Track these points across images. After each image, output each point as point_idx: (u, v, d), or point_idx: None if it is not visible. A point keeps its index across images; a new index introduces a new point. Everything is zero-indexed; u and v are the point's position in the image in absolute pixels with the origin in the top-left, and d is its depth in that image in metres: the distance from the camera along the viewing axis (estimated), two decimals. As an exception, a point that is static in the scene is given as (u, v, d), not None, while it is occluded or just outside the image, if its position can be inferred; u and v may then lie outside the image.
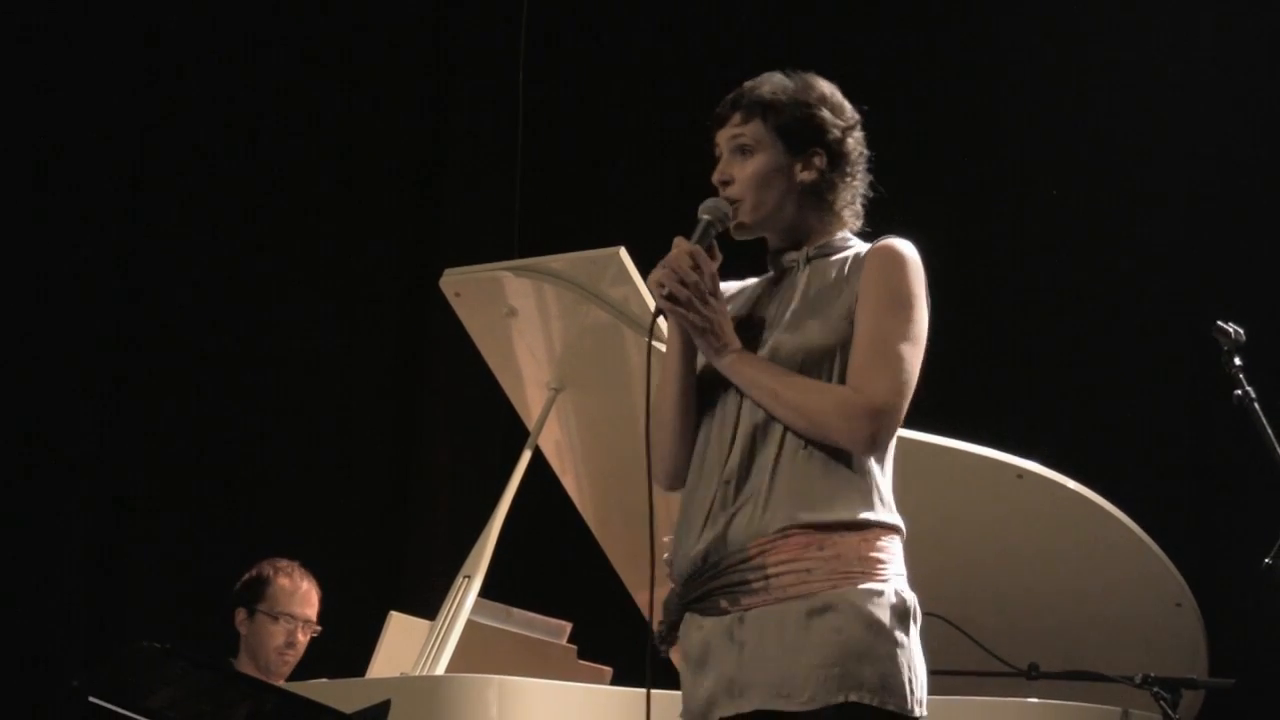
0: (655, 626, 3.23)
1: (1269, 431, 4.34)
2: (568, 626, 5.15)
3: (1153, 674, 4.58)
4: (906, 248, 3.21)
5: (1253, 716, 5.57)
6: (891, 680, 3.05)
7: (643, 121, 6.93)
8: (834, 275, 3.22)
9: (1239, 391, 4.35)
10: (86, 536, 6.51)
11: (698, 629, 3.16)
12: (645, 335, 4.50)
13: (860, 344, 3.14)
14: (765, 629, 3.09)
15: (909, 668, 3.09)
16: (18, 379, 6.47)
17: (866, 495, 3.13)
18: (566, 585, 5.90)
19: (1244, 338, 4.37)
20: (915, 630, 3.14)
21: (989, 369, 6.44)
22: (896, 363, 3.13)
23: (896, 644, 3.07)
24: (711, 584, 3.14)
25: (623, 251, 4.56)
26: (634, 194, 6.84)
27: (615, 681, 4.99)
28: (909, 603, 3.13)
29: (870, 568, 3.10)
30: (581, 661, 5.08)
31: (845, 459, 3.13)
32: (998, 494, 4.76)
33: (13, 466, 6.44)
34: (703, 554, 3.13)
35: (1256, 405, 4.35)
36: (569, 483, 5.10)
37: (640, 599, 5.13)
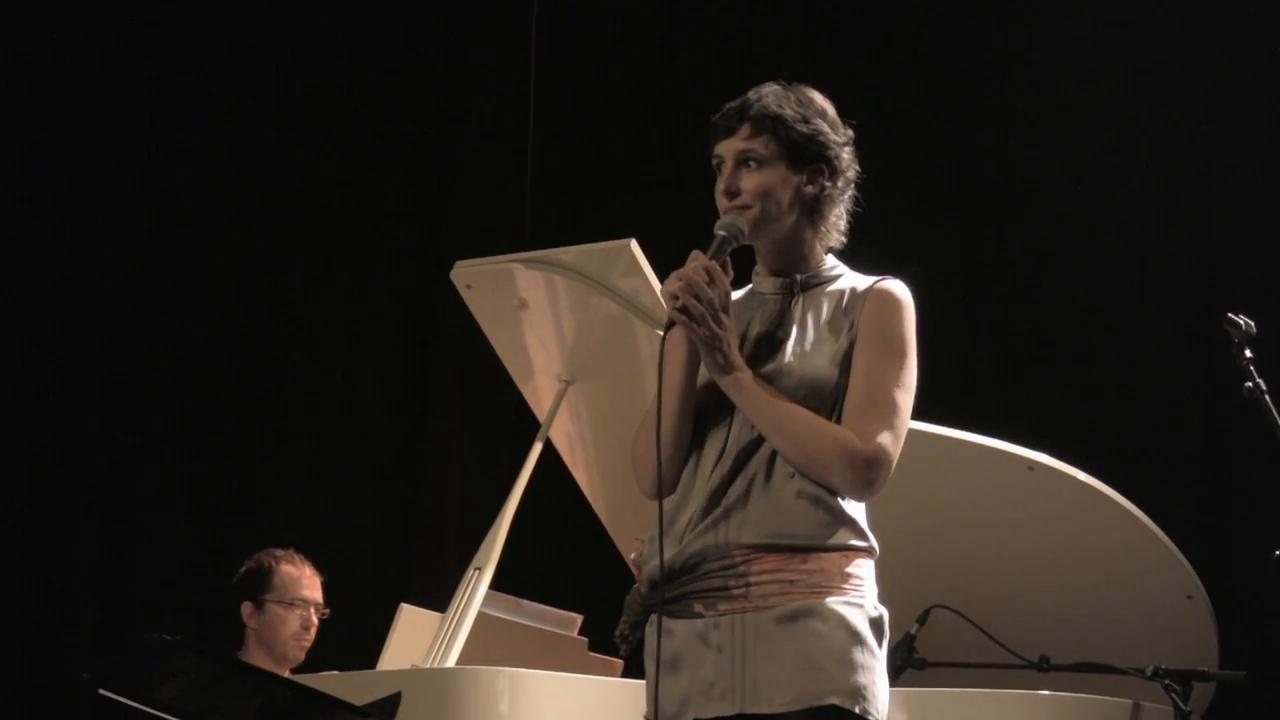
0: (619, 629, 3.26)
1: (1280, 424, 4.34)
2: (579, 619, 5.15)
3: (1164, 666, 4.57)
4: (904, 293, 3.26)
5: (1264, 709, 5.56)
6: (868, 690, 3.10)
7: (654, 114, 6.91)
8: (832, 308, 3.26)
9: (1250, 383, 4.35)
10: (96, 528, 6.51)
11: (667, 633, 3.19)
12: (656, 328, 4.51)
13: (859, 388, 3.19)
14: (744, 635, 3.13)
15: (880, 681, 3.14)
16: (25, 375, 6.48)
17: (849, 521, 3.18)
18: (578, 577, 5.90)
19: (1255, 330, 4.37)
20: (884, 649, 3.20)
21: (1000, 362, 6.43)
22: (896, 413, 3.18)
23: (874, 655, 3.13)
24: (687, 587, 3.17)
25: (633, 244, 4.57)
26: (645, 186, 6.82)
27: (627, 674, 4.98)
28: (884, 619, 3.19)
29: (851, 583, 3.15)
30: (593, 654, 5.08)
31: (831, 487, 3.17)
32: (1009, 486, 4.76)
33: (22, 459, 6.45)
34: (683, 558, 3.17)
35: (1267, 397, 4.34)
36: (580, 475, 5.11)
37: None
